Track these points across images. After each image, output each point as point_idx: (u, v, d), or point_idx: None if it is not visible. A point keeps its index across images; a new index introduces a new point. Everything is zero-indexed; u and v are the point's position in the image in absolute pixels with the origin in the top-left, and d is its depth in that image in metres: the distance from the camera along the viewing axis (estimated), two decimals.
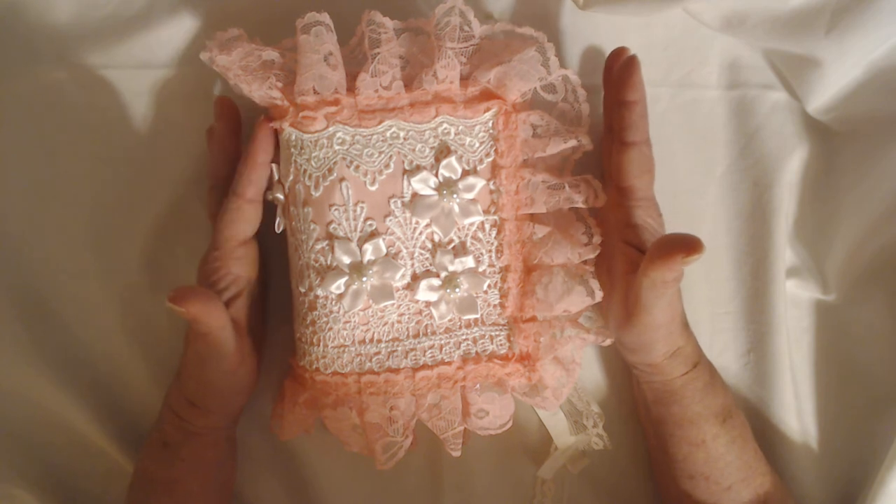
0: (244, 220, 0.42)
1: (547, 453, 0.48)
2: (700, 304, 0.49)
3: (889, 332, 0.48)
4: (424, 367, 0.43)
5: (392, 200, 0.42)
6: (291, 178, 0.42)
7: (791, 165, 0.50)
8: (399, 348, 0.43)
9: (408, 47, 0.42)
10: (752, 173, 0.50)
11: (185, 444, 0.43)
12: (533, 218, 0.43)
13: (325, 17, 0.39)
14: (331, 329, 0.42)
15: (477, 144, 0.43)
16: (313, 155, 0.41)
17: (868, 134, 0.48)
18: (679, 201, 0.49)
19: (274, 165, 0.44)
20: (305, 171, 0.42)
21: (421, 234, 0.43)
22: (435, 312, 0.43)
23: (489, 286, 0.44)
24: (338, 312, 0.42)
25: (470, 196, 0.43)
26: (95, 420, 0.47)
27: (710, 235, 0.50)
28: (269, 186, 0.44)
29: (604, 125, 0.46)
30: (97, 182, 0.48)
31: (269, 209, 0.45)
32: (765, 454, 0.45)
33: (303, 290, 0.43)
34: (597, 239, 0.44)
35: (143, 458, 0.44)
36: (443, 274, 0.43)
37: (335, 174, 0.41)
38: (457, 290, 0.43)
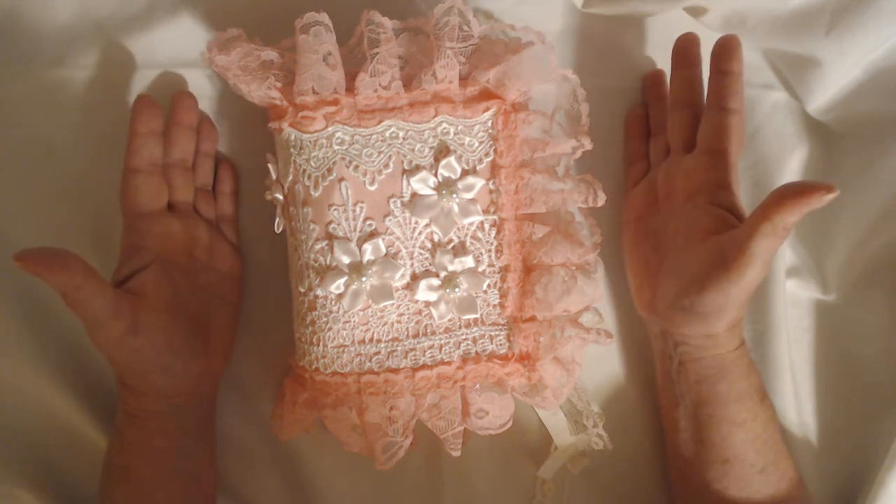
0: (132, 190, 0.42)
1: (547, 453, 0.48)
2: None
3: (889, 331, 0.48)
4: (424, 367, 0.43)
5: (391, 200, 0.42)
6: (291, 178, 0.42)
7: (791, 165, 0.50)
8: (399, 348, 0.43)
9: (407, 47, 0.42)
10: (752, 173, 0.50)
11: (129, 426, 0.42)
12: (532, 218, 0.43)
13: (324, 17, 0.39)
14: (330, 329, 0.42)
15: (476, 144, 0.43)
16: (312, 155, 0.41)
17: (868, 134, 0.48)
18: None
19: (272, 165, 0.44)
20: (305, 171, 0.42)
21: (420, 233, 0.43)
22: (434, 312, 0.43)
23: (489, 286, 0.44)
24: (337, 312, 0.42)
25: (469, 196, 0.43)
26: (95, 420, 0.47)
27: None
28: (269, 186, 0.44)
29: (631, 112, 0.46)
30: (96, 181, 0.48)
31: (269, 209, 0.45)
32: None
33: (302, 290, 0.43)
34: (596, 239, 0.44)
35: (108, 445, 0.44)
36: (442, 274, 0.43)
37: (334, 174, 0.41)
38: (456, 289, 0.43)
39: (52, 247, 0.36)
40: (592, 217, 0.46)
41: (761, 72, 0.50)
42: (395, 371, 0.43)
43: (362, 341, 0.43)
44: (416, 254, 0.43)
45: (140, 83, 0.48)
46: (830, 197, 0.34)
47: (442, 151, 0.42)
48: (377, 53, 0.40)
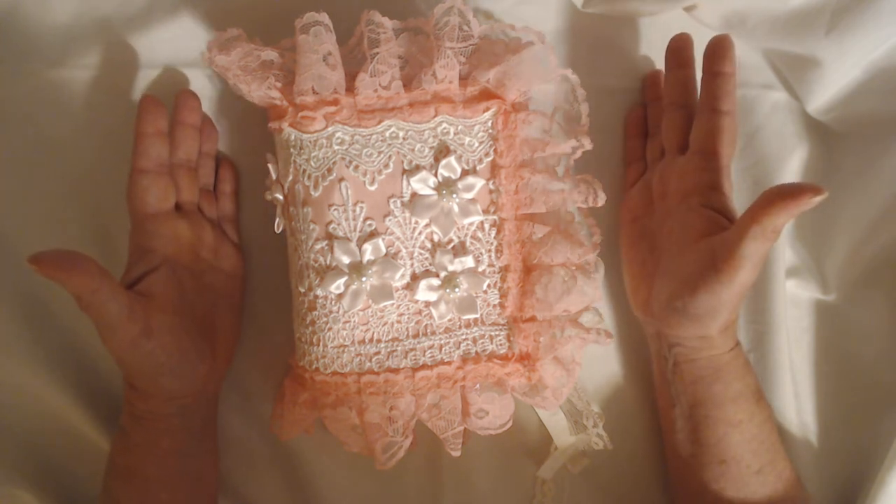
0: (139, 191, 0.42)
1: (547, 453, 0.48)
2: None
3: (889, 331, 0.48)
4: (424, 366, 0.43)
5: (391, 200, 0.42)
6: (291, 178, 0.42)
7: (791, 165, 0.50)
8: (399, 348, 0.43)
9: (407, 47, 0.42)
10: (752, 173, 0.50)
11: (135, 428, 0.42)
12: (532, 218, 0.43)
13: (324, 17, 0.39)
14: (330, 329, 0.42)
15: (476, 144, 0.43)
16: (312, 155, 0.41)
17: (868, 134, 0.48)
18: None
19: (272, 165, 0.44)
20: (305, 171, 0.42)
21: (420, 233, 0.43)
22: (434, 312, 0.43)
23: (489, 286, 0.44)
24: (337, 312, 0.42)
25: (469, 196, 0.43)
26: (96, 420, 0.47)
27: None
28: (269, 186, 0.44)
29: (630, 113, 0.46)
30: (96, 181, 0.48)
31: (269, 209, 0.45)
32: None
33: (302, 290, 0.43)
34: (596, 238, 0.44)
35: (111, 445, 0.44)
36: (442, 274, 0.43)
37: (334, 174, 0.41)
38: (456, 289, 0.43)
39: (67, 249, 0.36)
40: (592, 217, 0.46)
41: (761, 72, 0.50)
42: (395, 371, 0.43)
43: (362, 341, 0.43)
44: (416, 254, 0.43)
45: (140, 83, 0.48)
46: (819, 199, 0.34)
47: (442, 151, 0.42)
48: (377, 53, 0.40)
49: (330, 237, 0.42)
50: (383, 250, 0.42)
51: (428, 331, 0.43)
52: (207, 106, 0.48)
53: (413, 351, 0.43)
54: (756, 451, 0.42)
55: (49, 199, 0.48)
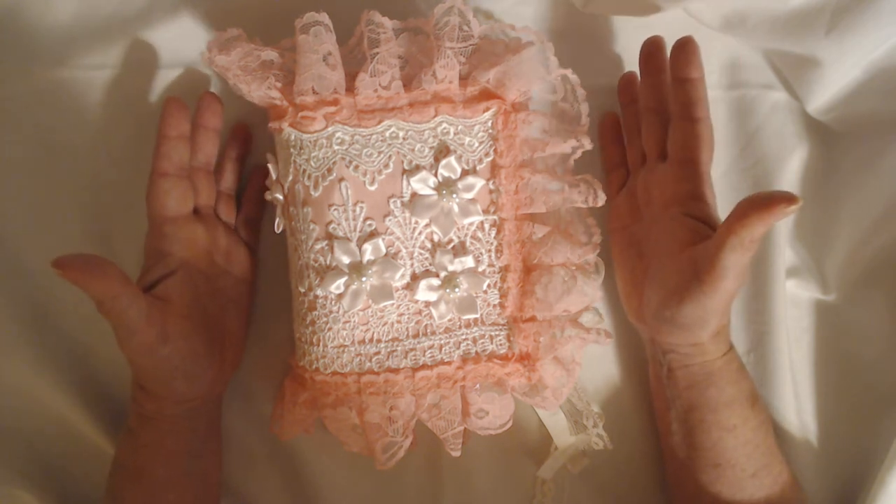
0: (160, 194, 0.42)
1: (547, 453, 0.48)
2: None
3: (889, 331, 0.48)
4: (424, 366, 0.43)
5: (391, 200, 0.42)
6: (291, 178, 0.42)
7: (791, 165, 0.50)
8: (399, 348, 0.43)
9: (407, 47, 0.42)
10: (752, 173, 0.50)
11: (143, 429, 0.42)
12: (532, 218, 0.43)
13: (324, 17, 0.39)
14: (330, 329, 0.42)
15: (476, 144, 0.43)
16: (312, 155, 0.41)
17: (868, 134, 0.48)
18: None
19: (271, 165, 0.44)
20: (305, 171, 0.42)
21: (420, 233, 0.43)
22: (434, 312, 0.43)
23: (489, 286, 0.44)
24: (337, 312, 0.42)
25: (469, 196, 0.43)
26: (95, 421, 0.47)
27: None
28: (269, 186, 0.44)
29: (604, 118, 0.47)
30: (97, 182, 0.48)
31: (270, 209, 0.45)
32: None
33: (302, 290, 0.43)
34: (596, 239, 0.44)
35: (117, 446, 0.44)
36: (442, 274, 0.43)
37: (334, 174, 0.41)
38: (456, 289, 0.43)
39: (89, 253, 0.36)
40: (592, 217, 0.46)
41: (761, 72, 0.50)
42: (395, 371, 0.43)
43: (362, 341, 0.43)
44: (416, 254, 0.43)
45: (140, 83, 0.48)
46: (793, 208, 0.33)
47: (442, 151, 0.42)
48: (377, 53, 0.40)
49: (330, 237, 0.42)
50: (383, 250, 0.42)
51: (428, 331, 0.43)
52: None
53: (413, 351, 0.43)
54: (751, 455, 0.42)
55: (50, 200, 0.48)
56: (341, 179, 0.41)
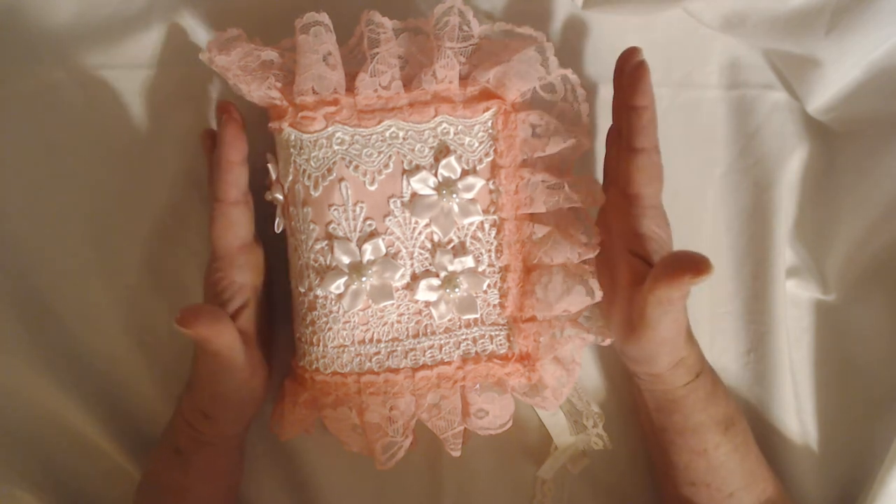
0: (233, 224, 0.41)
1: (547, 453, 0.48)
2: (700, 304, 0.49)
3: (889, 332, 0.48)
4: (424, 367, 0.43)
5: (391, 200, 0.42)
6: (291, 178, 0.42)
7: (791, 165, 0.50)
8: (399, 348, 0.43)
9: (407, 47, 0.42)
10: (752, 173, 0.50)
11: (197, 452, 0.43)
12: (532, 218, 0.43)
13: (324, 17, 0.39)
14: (330, 329, 0.42)
15: (476, 144, 0.43)
16: (312, 155, 0.41)
17: (868, 134, 0.48)
18: (679, 201, 0.49)
19: (271, 165, 0.44)
20: (305, 171, 0.42)
21: (420, 233, 0.43)
22: (434, 312, 0.43)
23: (489, 286, 0.44)
24: (337, 312, 0.42)
25: (469, 196, 0.43)
26: (96, 420, 0.47)
27: (710, 235, 0.50)
28: (269, 186, 0.44)
29: (610, 128, 0.45)
30: (97, 182, 0.48)
31: (269, 209, 0.45)
32: (765, 454, 0.45)
33: (302, 290, 0.43)
34: (596, 239, 0.44)
35: (154, 465, 0.44)
36: (442, 274, 0.43)
37: (334, 174, 0.41)
38: (456, 289, 0.43)
39: (205, 305, 0.38)
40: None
41: (761, 72, 0.50)
42: (395, 371, 0.43)
43: (362, 341, 0.43)
44: (416, 254, 0.43)
45: (140, 83, 0.48)
46: (701, 279, 0.33)
47: (442, 151, 0.42)
48: (377, 53, 0.40)
49: (330, 237, 0.42)
50: (383, 250, 0.42)
51: (428, 331, 0.43)
52: (207, 106, 0.48)
53: (413, 351, 0.43)
54: (725, 478, 0.43)
55: (50, 201, 0.48)
56: (341, 179, 0.41)
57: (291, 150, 0.42)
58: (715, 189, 0.50)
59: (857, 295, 0.49)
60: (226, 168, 0.40)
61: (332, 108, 0.41)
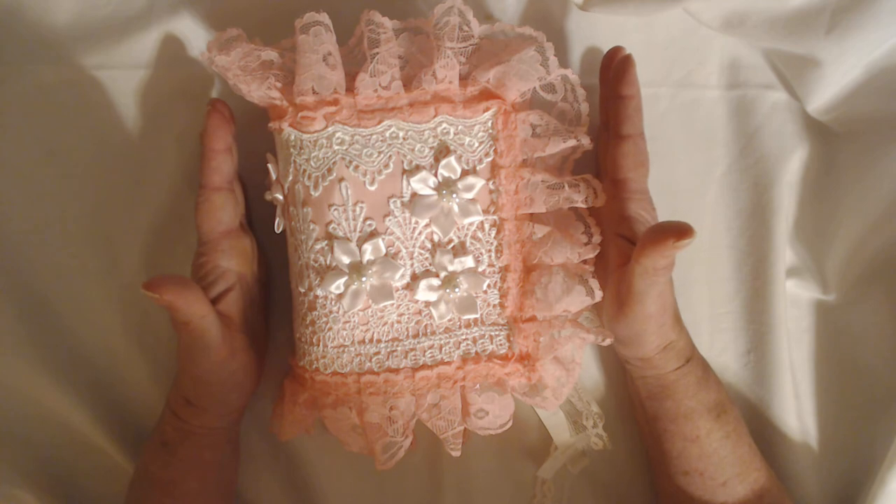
0: (216, 209, 0.42)
1: (547, 453, 0.48)
2: (700, 304, 0.49)
3: (889, 332, 0.48)
4: (424, 367, 0.43)
5: (391, 200, 0.42)
6: (291, 178, 0.42)
7: (791, 165, 0.50)
8: (399, 348, 0.43)
9: (407, 47, 0.42)
10: (752, 173, 0.50)
11: (182, 443, 0.43)
12: (532, 218, 0.43)
13: (324, 17, 0.39)
14: (330, 329, 0.42)
15: (476, 144, 0.43)
16: (312, 155, 0.41)
17: (868, 134, 0.48)
18: (679, 201, 0.49)
19: (271, 165, 0.44)
20: (305, 171, 0.42)
21: (420, 233, 0.43)
22: (434, 312, 0.43)
23: (489, 286, 0.44)
24: (337, 312, 0.42)
25: (469, 196, 0.43)
26: (95, 419, 0.47)
27: (710, 235, 0.50)
28: (269, 186, 0.44)
29: (600, 122, 0.47)
30: (96, 182, 0.48)
31: (269, 209, 0.45)
32: (765, 454, 0.45)
33: (302, 290, 0.43)
34: (596, 238, 0.44)
35: (143, 458, 0.44)
36: (442, 274, 0.43)
37: (334, 174, 0.41)
38: (456, 289, 0.43)
39: (175, 274, 0.38)
40: (592, 217, 0.46)
41: (761, 72, 0.50)
42: (395, 371, 0.43)
43: (362, 341, 0.43)
44: (416, 254, 0.43)
45: (140, 83, 0.48)
46: (684, 242, 0.34)
47: (442, 151, 0.42)
48: (377, 53, 0.40)
49: (330, 237, 0.42)
50: (383, 250, 0.42)
51: (428, 331, 0.43)
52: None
53: (413, 351, 0.43)
54: (718, 465, 0.43)
55: (50, 201, 0.48)
56: (341, 179, 0.41)
57: (291, 150, 0.42)
58: (715, 189, 0.50)
59: (857, 295, 0.49)
60: (209, 156, 0.42)
61: (332, 108, 0.41)
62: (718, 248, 0.50)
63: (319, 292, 0.42)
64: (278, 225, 0.44)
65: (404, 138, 0.42)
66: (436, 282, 0.43)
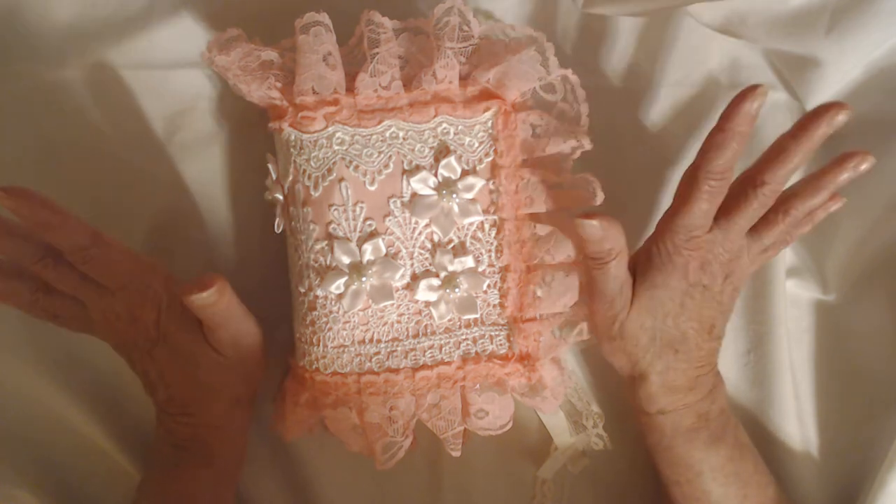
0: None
1: (547, 453, 0.48)
2: None
3: (889, 332, 0.48)
4: (424, 367, 0.43)
5: (391, 200, 0.42)
6: (291, 178, 0.42)
7: None
8: (399, 348, 0.43)
9: (407, 47, 0.42)
10: None
11: (187, 463, 0.43)
12: (533, 217, 0.43)
13: (324, 17, 0.39)
14: (330, 329, 0.42)
15: (476, 144, 0.43)
16: (312, 155, 0.41)
17: (868, 134, 0.48)
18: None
19: (271, 165, 0.44)
20: (305, 171, 0.42)
21: (420, 233, 0.43)
22: (434, 312, 0.43)
23: (489, 286, 0.44)
24: (337, 312, 0.42)
25: (469, 196, 0.43)
26: (96, 420, 0.47)
27: None
28: (269, 186, 0.44)
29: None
30: (97, 182, 0.48)
31: (269, 209, 0.45)
32: (764, 455, 0.45)
33: (302, 290, 0.43)
34: None
35: (160, 475, 0.44)
36: (442, 274, 0.43)
37: (334, 174, 0.41)
38: (456, 289, 0.43)
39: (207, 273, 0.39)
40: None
41: (761, 72, 0.50)
42: (395, 371, 0.43)
43: (362, 341, 0.43)
44: (416, 254, 0.43)
45: (140, 83, 0.48)
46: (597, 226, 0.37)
47: (442, 151, 0.42)
48: (377, 53, 0.40)
49: (330, 237, 0.42)
50: (383, 250, 0.42)
51: (428, 331, 0.43)
52: (207, 106, 0.48)
53: (413, 351, 0.43)
54: (720, 487, 0.43)
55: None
56: (341, 179, 0.41)
57: (291, 150, 0.42)
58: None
59: (857, 295, 0.49)
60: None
61: (332, 108, 0.41)
62: None
63: (319, 292, 0.42)
64: (278, 225, 0.44)
65: (404, 138, 0.42)
66: (436, 282, 0.43)
